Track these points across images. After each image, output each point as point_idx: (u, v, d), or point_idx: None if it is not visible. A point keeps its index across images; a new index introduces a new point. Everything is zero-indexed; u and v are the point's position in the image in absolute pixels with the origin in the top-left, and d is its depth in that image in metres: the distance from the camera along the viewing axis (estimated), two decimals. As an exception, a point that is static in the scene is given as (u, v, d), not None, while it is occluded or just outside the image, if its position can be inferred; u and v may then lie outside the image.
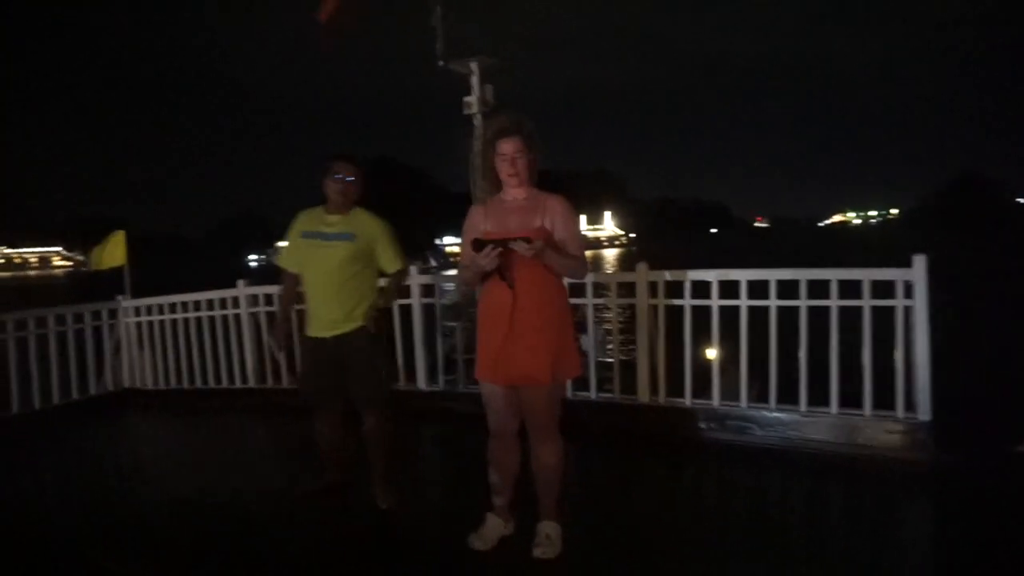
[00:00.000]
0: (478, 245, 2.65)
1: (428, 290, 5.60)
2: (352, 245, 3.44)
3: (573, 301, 4.88)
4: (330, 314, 3.46)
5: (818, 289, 4.27)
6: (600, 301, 4.98)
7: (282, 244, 3.67)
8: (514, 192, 2.83)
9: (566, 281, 2.95)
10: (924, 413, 3.99)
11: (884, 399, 4.12)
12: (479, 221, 2.89)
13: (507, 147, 2.74)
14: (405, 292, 5.58)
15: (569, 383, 5.04)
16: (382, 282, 3.67)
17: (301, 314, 3.96)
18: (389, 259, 3.57)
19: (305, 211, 3.60)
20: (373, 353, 3.53)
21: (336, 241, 3.43)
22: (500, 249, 2.62)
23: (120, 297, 7.02)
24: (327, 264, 3.42)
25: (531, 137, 2.76)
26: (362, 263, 3.48)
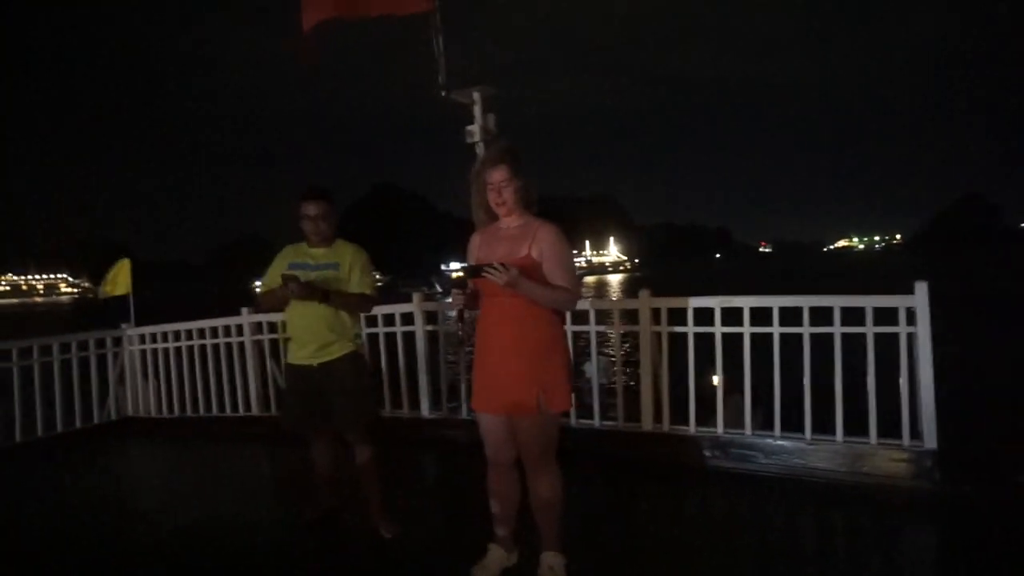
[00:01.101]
0: (465, 272, 2.72)
1: (431, 317, 5.62)
2: (336, 275, 3.54)
3: (576, 328, 4.92)
4: (316, 340, 3.50)
5: (822, 316, 4.27)
6: (603, 328, 4.98)
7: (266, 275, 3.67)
8: (507, 220, 2.84)
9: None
10: (930, 441, 3.97)
11: (890, 426, 4.09)
12: (474, 248, 2.92)
13: (494, 176, 2.77)
14: (397, 320, 5.60)
15: (573, 411, 5.04)
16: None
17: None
18: (357, 282, 3.58)
19: (291, 245, 3.69)
20: (358, 379, 3.57)
21: (321, 271, 3.53)
22: (462, 292, 2.73)
23: (124, 325, 7.05)
24: None
25: (518, 164, 2.77)
26: (344, 291, 3.56)
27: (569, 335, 4.95)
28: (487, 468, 2.98)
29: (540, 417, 2.74)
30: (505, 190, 2.76)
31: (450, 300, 2.80)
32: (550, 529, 2.90)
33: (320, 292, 3.40)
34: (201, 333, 6.52)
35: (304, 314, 3.50)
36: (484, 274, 2.59)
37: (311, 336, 3.51)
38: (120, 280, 7.67)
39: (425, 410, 5.58)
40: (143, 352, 6.88)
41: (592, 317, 4.92)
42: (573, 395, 2.91)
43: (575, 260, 2.99)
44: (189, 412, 6.57)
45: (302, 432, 3.73)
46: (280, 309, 3.69)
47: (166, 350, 6.70)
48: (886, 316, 4.14)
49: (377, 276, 3.72)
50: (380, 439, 3.68)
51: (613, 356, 5.03)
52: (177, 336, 6.66)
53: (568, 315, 4.96)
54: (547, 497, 2.86)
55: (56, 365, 6.24)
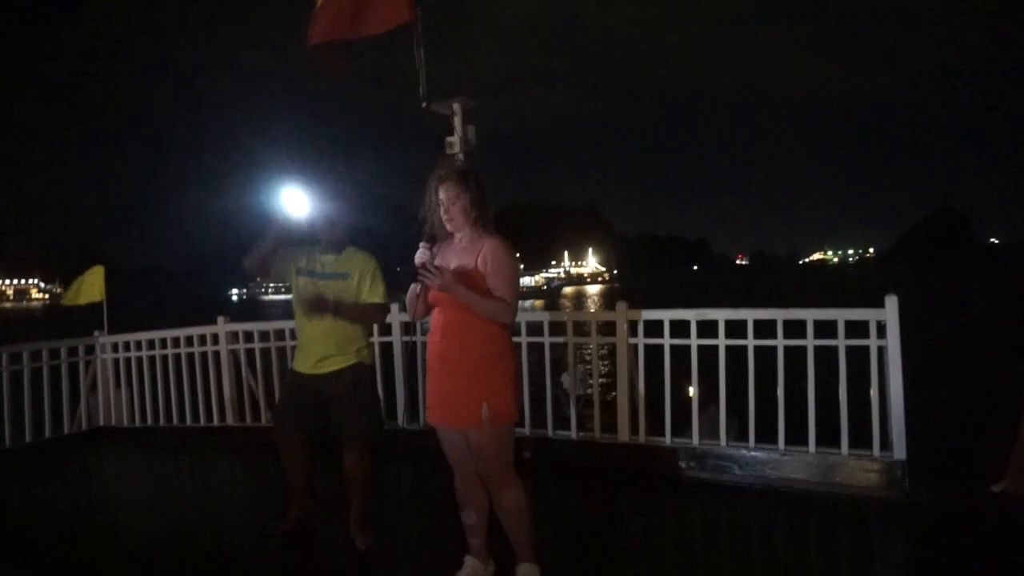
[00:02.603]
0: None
1: (408, 327, 5.61)
2: (345, 284, 3.51)
3: (553, 340, 4.94)
4: (322, 351, 3.49)
5: (796, 328, 4.34)
6: (581, 340, 5.01)
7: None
8: (458, 234, 2.89)
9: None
10: (899, 452, 4.04)
11: (861, 437, 4.16)
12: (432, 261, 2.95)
13: (442, 194, 2.84)
14: (375, 330, 5.58)
15: (550, 422, 5.05)
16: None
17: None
18: (369, 290, 3.58)
19: (302, 247, 3.61)
20: (367, 390, 3.56)
21: (329, 280, 3.51)
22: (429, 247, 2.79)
23: (97, 332, 6.94)
24: None
25: (466, 184, 2.81)
26: (351, 301, 3.53)
27: (546, 346, 5.00)
28: (454, 479, 2.99)
29: (488, 429, 2.74)
30: (453, 207, 2.81)
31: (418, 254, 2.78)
32: (521, 539, 2.91)
33: (332, 308, 3.37)
34: (176, 342, 6.44)
35: (311, 324, 3.49)
36: (420, 276, 2.67)
37: (316, 347, 3.50)
38: (94, 287, 7.56)
39: (402, 421, 5.56)
40: (116, 360, 6.78)
41: (570, 328, 4.95)
42: (520, 405, 2.93)
43: (520, 275, 3.04)
44: (163, 422, 6.48)
45: (286, 434, 3.65)
46: (259, 275, 3.64)
47: (140, 359, 6.61)
48: (857, 329, 4.22)
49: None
50: (378, 455, 3.66)
51: (590, 367, 5.06)
52: (151, 344, 6.57)
53: (546, 326, 5.01)
54: (511, 508, 2.87)
55: (26, 373, 6.13)
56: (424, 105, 5.60)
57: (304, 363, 3.54)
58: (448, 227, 2.86)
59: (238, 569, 3.47)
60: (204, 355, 6.25)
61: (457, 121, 5.62)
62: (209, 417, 6.23)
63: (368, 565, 3.44)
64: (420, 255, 2.77)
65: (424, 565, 3.39)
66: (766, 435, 4.41)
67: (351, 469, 3.56)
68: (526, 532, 2.90)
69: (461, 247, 2.86)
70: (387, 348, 5.59)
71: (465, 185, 2.81)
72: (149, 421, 6.55)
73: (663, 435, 4.67)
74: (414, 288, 2.84)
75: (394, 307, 5.63)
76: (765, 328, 4.40)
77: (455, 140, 5.62)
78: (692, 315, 4.59)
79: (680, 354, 4.61)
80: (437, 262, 2.84)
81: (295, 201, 3.44)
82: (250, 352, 6.11)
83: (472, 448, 2.82)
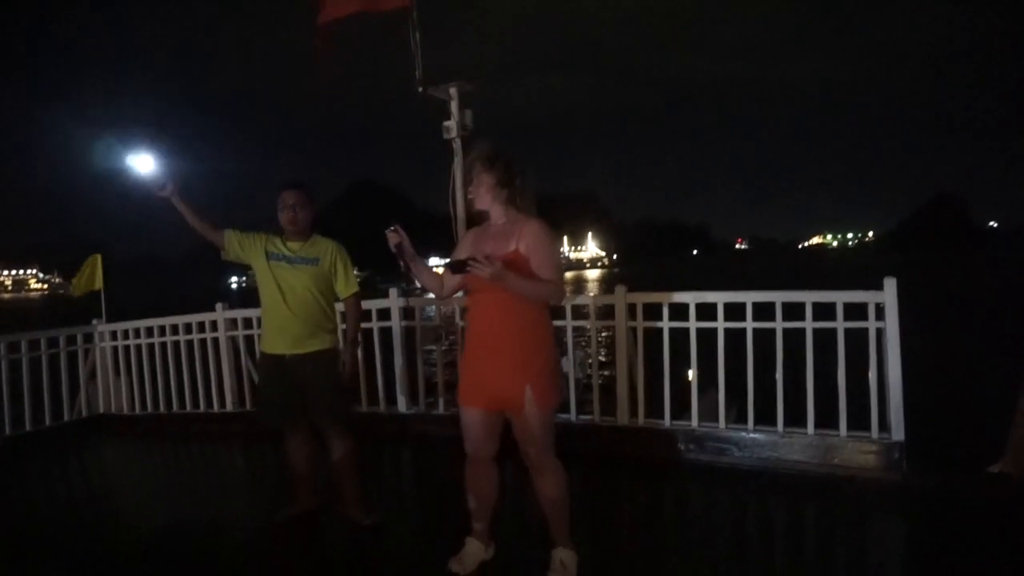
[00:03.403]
0: (450, 267, 2.75)
1: (409, 313, 5.61)
2: (316, 269, 3.56)
3: (553, 324, 4.93)
4: (293, 331, 3.50)
5: (794, 311, 4.34)
6: (580, 323, 5.01)
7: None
8: (494, 216, 2.88)
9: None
10: (898, 433, 4.05)
11: (860, 419, 4.18)
12: (466, 244, 2.94)
13: (473, 174, 2.86)
14: (373, 315, 5.59)
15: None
16: (339, 307, 3.74)
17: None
18: (344, 283, 3.66)
19: (269, 233, 3.64)
20: (334, 374, 3.58)
21: (301, 265, 3.54)
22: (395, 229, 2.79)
23: (96, 321, 6.94)
24: (292, 284, 3.51)
25: (490, 161, 2.82)
26: (324, 285, 3.60)
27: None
28: (466, 463, 2.99)
29: (531, 413, 2.75)
30: (478, 186, 2.84)
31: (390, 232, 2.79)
32: (559, 524, 2.91)
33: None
34: (174, 329, 6.44)
35: (287, 305, 3.49)
36: (468, 268, 2.61)
37: (294, 327, 3.50)
38: (93, 276, 7.54)
39: (402, 406, 5.57)
40: (115, 349, 6.78)
41: (568, 312, 4.95)
42: (561, 389, 2.94)
43: (561, 256, 3.02)
44: (163, 409, 6.49)
45: (284, 425, 3.70)
46: (199, 230, 3.49)
47: (138, 346, 6.61)
48: (856, 312, 4.22)
49: (356, 272, 3.73)
50: (357, 435, 3.68)
51: (589, 351, 5.06)
52: (150, 332, 6.57)
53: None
54: (553, 495, 2.87)
55: (25, 362, 6.13)
56: (420, 90, 5.58)
57: (280, 343, 3.54)
58: (475, 205, 2.89)
59: (240, 554, 3.49)
60: (203, 342, 6.26)
61: (454, 105, 5.59)
62: (209, 404, 6.24)
63: (369, 548, 3.45)
64: (391, 239, 2.79)
65: (425, 547, 3.41)
66: (765, 417, 4.42)
67: (340, 460, 3.60)
68: (564, 517, 2.91)
69: (497, 230, 2.85)
70: (386, 332, 5.58)
71: (490, 164, 2.82)
72: (149, 408, 6.56)
73: (662, 418, 4.68)
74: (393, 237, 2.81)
75: (393, 291, 5.64)
76: (764, 311, 4.41)
77: (452, 124, 5.60)
78: (691, 298, 4.59)
79: (679, 337, 4.62)
80: (473, 248, 2.83)
81: (141, 162, 3.36)
82: (249, 339, 6.11)
83: (517, 435, 2.82)
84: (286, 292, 3.49)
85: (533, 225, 2.79)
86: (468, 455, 2.96)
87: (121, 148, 3.41)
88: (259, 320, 6.08)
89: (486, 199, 2.85)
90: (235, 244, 3.56)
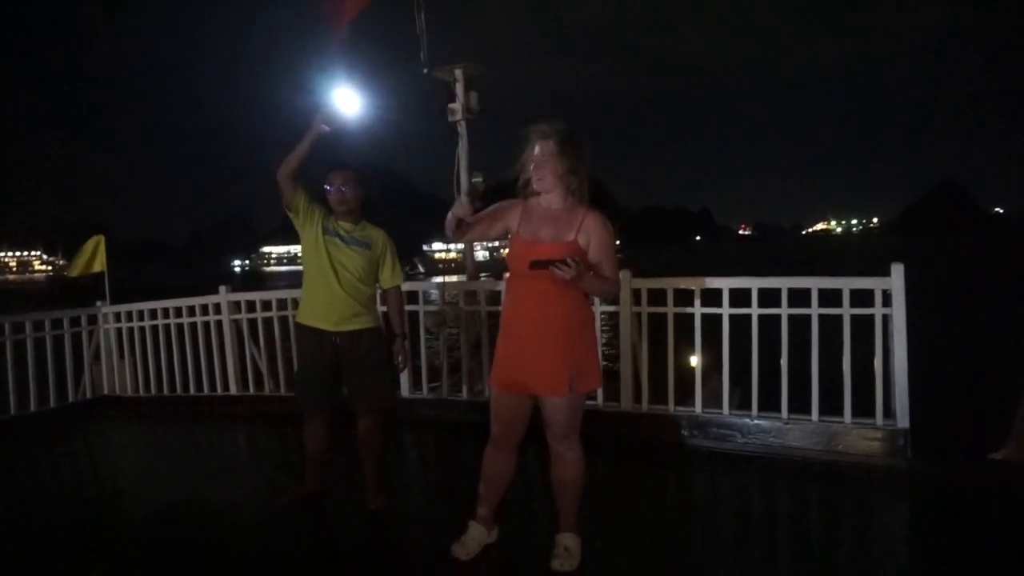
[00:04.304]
0: (532, 266, 2.60)
1: (412, 297, 5.59)
2: (369, 253, 3.58)
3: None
4: (341, 309, 3.50)
5: (800, 297, 4.31)
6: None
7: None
8: (548, 198, 2.79)
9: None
10: (903, 420, 4.03)
11: (865, 406, 4.16)
12: (515, 216, 2.82)
13: (537, 150, 2.73)
14: (376, 300, 5.59)
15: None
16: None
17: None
18: (391, 272, 3.70)
19: (326, 211, 3.59)
20: (381, 355, 3.58)
21: (355, 247, 3.54)
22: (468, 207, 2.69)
23: (100, 303, 6.95)
24: (344, 263, 3.50)
25: (563, 144, 2.71)
26: (371, 269, 3.62)
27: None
28: (487, 446, 2.94)
29: (570, 397, 2.73)
30: (543, 167, 2.71)
31: (457, 210, 2.67)
32: (570, 510, 2.90)
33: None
34: (178, 312, 6.44)
35: (337, 282, 3.47)
36: (552, 269, 2.53)
37: (342, 304, 3.49)
38: (95, 258, 7.53)
39: (405, 390, 5.57)
40: (119, 330, 6.79)
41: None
42: (601, 373, 2.90)
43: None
44: (166, 391, 6.51)
45: (313, 406, 3.65)
46: (285, 192, 3.43)
47: (142, 328, 6.62)
48: (863, 298, 4.19)
49: None
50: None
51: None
52: (153, 314, 6.58)
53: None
54: (571, 478, 2.87)
55: (29, 343, 6.15)
56: (425, 71, 5.53)
57: (326, 320, 3.51)
58: (535, 186, 2.77)
59: (246, 535, 3.50)
60: (207, 325, 6.26)
61: (459, 87, 5.54)
62: (212, 386, 6.25)
63: (373, 531, 3.46)
64: (458, 208, 2.66)
65: (428, 531, 3.41)
66: (769, 404, 4.41)
67: (366, 433, 3.59)
68: (576, 502, 2.90)
69: (553, 215, 2.77)
70: (412, 317, 5.56)
71: (561, 147, 2.71)
72: (153, 390, 6.58)
73: (666, 404, 4.67)
74: (452, 216, 2.70)
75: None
76: (769, 297, 4.38)
77: (457, 107, 5.56)
78: (695, 284, 4.56)
79: (684, 323, 4.59)
80: (523, 226, 2.74)
81: (346, 99, 3.36)
82: (252, 322, 6.11)
83: (546, 416, 2.79)
84: (338, 269, 3.49)
85: (597, 217, 2.74)
86: (493, 438, 2.92)
87: (349, 94, 3.38)
88: (262, 303, 6.12)
89: (550, 182, 2.73)
90: (304, 203, 3.50)
